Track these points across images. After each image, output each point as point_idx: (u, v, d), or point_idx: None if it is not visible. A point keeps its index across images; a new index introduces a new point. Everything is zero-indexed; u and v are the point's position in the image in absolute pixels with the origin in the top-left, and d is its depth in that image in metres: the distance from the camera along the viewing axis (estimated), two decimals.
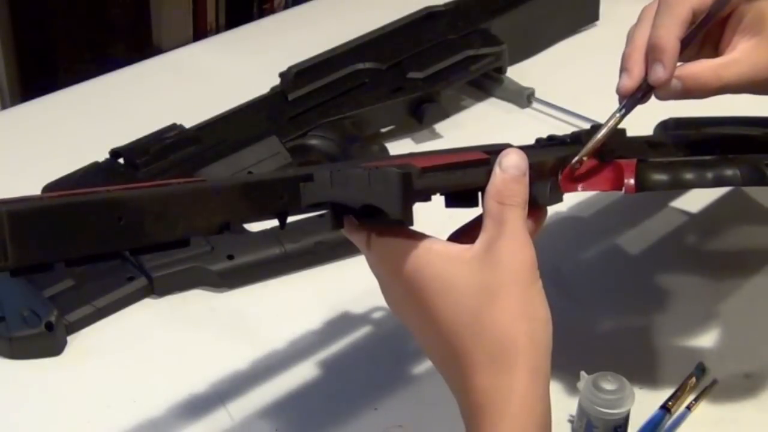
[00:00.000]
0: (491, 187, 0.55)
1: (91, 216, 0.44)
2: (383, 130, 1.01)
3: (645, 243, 0.89)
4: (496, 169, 0.55)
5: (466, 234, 0.57)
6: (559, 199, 0.60)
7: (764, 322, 0.81)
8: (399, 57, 1.02)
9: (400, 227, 0.54)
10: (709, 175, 0.62)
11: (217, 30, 1.23)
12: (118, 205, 0.45)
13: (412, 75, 1.00)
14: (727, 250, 0.88)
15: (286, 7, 1.28)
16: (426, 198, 0.56)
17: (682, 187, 0.63)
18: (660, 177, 0.62)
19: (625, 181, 0.62)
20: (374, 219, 0.52)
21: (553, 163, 0.61)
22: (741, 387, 0.75)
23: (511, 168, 0.55)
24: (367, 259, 0.57)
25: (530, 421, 0.52)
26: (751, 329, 0.80)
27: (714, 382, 0.74)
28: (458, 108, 1.07)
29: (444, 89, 1.02)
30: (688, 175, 0.62)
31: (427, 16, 1.09)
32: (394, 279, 0.55)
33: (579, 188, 0.62)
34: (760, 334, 0.79)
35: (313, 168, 0.55)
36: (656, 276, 0.85)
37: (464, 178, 0.56)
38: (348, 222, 0.55)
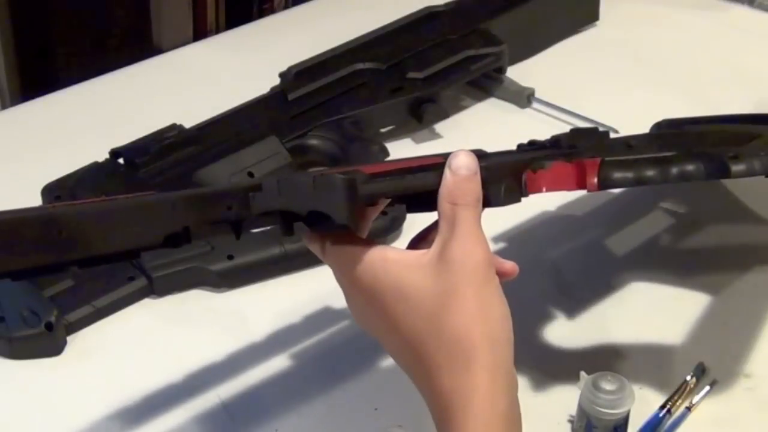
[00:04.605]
0: (443, 189, 0.56)
1: (30, 231, 0.45)
2: (383, 130, 1.01)
3: (645, 243, 0.89)
4: (447, 171, 0.56)
5: (424, 238, 0.58)
6: (516, 200, 0.60)
7: (763, 322, 0.81)
8: (399, 57, 1.02)
9: (354, 236, 0.56)
10: (673, 170, 0.63)
11: (217, 30, 1.23)
12: (56, 220, 0.46)
13: (412, 75, 1.00)
14: (727, 251, 0.88)
15: (286, 7, 1.28)
16: (373, 203, 0.56)
17: (647, 183, 0.63)
18: (623, 174, 0.63)
19: (588, 179, 0.62)
20: (323, 225, 0.53)
21: (514, 165, 0.61)
22: (741, 387, 0.75)
23: (462, 168, 0.56)
24: (330, 269, 0.58)
25: (495, 417, 0.53)
26: (750, 329, 0.80)
27: (714, 382, 0.74)
28: (458, 108, 1.07)
29: (444, 89, 1.02)
30: (651, 172, 0.63)
31: (427, 16, 1.09)
32: (354, 290, 0.56)
33: (544, 189, 0.62)
34: (759, 334, 0.79)
35: (262, 178, 0.55)
36: (656, 276, 0.85)
37: (414, 182, 0.56)
38: (303, 231, 0.56)
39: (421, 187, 0.56)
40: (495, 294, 0.54)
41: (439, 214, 0.56)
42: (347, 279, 0.56)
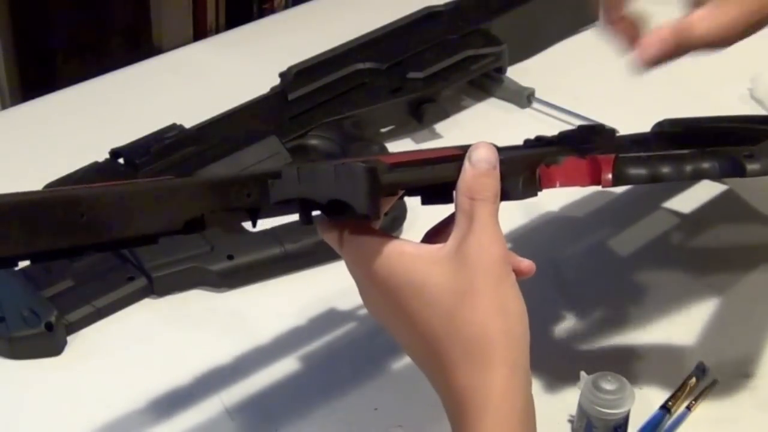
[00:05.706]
0: (461, 183, 0.55)
1: (52, 212, 0.44)
2: (383, 130, 1.01)
3: (645, 243, 0.89)
4: (466, 164, 0.55)
5: (440, 231, 0.57)
6: (534, 194, 0.60)
7: (764, 321, 0.81)
8: (399, 57, 1.02)
9: (371, 229, 0.55)
10: (687, 168, 0.62)
11: (217, 30, 1.23)
12: (78, 202, 0.45)
13: (412, 75, 1.00)
14: (727, 251, 0.88)
15: (286, 7, 1.28)
16: (393, 192, 0.56)
17: (661, 180, 0.62)
18: (637, 171, 0.62)
19: (602, 175, 0.62)
20: (343, 215, 0.52)
21: (529, 159, 0.61)
22: (741, 387, 0.75)
23: (482, 162, 0.55)
24: (345, 261, 0.57)
25: (511, 416, 0.52)
26: (750, 329, 0.80)
27: (714, 382, 0.74)
28: (458, 108, 1.07)
29: (444, 89, 1.02)
30: (666, 169, 0.62)
31: (427, 16, 1.09)
32: (369, 283, 0.56)
33: (557, 184, 0.62)
34: (759, 334, 0.79)
35: (282, 166, 0.55)
36: (656, 276, 0.85)
37: (434, 173, 0.56)
38: (320, 221, 0.55)
39: (441, 178, 0.56)
40: (511, 291, 0.54)
41: (456, 208, 0.55)
42: (362, 271, 0.56)
